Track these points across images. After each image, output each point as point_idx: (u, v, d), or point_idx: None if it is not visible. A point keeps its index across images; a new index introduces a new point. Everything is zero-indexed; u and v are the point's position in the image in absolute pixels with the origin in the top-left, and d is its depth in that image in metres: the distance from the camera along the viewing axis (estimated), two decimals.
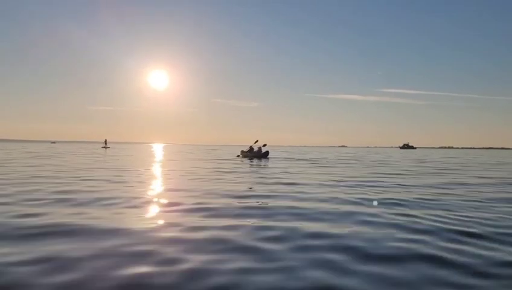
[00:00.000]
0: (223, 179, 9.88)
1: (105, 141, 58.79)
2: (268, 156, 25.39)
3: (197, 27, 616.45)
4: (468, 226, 4.33)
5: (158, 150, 53.45)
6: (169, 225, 4.15)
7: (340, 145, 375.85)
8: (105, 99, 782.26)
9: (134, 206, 5.37)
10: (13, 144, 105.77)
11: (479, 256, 3.21)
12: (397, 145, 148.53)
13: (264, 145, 26.41)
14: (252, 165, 16.45)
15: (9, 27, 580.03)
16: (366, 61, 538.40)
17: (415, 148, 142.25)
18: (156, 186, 7.95)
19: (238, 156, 27.76)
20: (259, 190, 7.60)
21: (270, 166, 16.05)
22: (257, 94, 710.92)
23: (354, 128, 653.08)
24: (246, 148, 27.06)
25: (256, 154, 25.45)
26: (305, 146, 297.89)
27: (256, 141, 26.32)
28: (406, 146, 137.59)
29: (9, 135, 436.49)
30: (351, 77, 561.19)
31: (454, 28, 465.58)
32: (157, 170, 13.05)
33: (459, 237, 3.83)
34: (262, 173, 11.94)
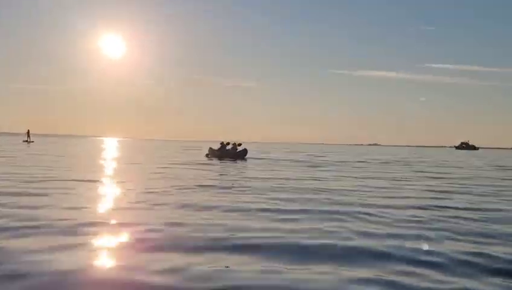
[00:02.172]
0: None
1: (28, 132, 45.02)
2: (246, 157, 21.93)
3: None
4: None
5: (108, 148, 32.66)
6: None
7: (371, 143, 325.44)
8: (35, 75, 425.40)
9: None
10: None
11: None
12: (450, 145, 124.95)
13: (239, 144, 22.76)
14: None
15: None
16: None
17: (477, 148, 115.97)
18: None
19: (207, 155, 23.47)
20: None
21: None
22: (255, 70, 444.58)
23: (388, 120, 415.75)
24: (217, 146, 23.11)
25: (229, 154, 21.85)
26: (322, 144, 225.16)
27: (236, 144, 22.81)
28: (465, 146, 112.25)
29: None
30: (385, 49, 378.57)
31: None
32: None
33: None
34: None
